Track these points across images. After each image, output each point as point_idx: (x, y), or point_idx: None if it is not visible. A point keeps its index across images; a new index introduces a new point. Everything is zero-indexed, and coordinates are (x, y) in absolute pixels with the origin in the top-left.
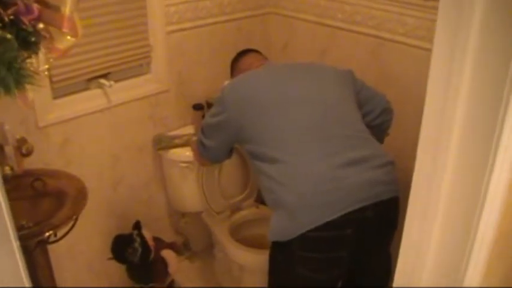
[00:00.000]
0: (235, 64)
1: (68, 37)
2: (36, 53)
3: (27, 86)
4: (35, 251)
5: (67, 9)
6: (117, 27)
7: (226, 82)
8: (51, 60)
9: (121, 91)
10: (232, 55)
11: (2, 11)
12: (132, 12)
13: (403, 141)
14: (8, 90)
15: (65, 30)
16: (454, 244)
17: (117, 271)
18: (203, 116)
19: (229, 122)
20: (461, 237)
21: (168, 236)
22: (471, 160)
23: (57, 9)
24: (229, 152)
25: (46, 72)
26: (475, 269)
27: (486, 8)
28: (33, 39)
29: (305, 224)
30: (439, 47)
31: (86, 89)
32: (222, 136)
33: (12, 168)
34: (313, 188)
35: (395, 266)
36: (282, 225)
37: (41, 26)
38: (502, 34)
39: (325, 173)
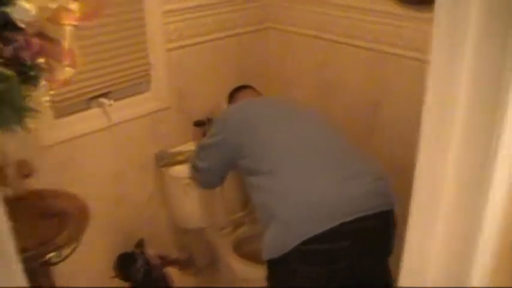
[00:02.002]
0: (232, 98)
1: (67, 68)
2: (36, 86)
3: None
4: (38, 272)
5: (67, 43)
6: (117, 46)
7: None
8: (51, 92)
9: (122, 109)
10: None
11: (2, 47)
12: (131, 31)
13: (402, 153)
14: (10, 128)
15: (65, 62)
16: (458, 247)
17: None
18: (204, 133)
19: (228, 139)
20: (465, 239)
21: (171, 252)
22: (472, 162)
23: (57, 42)
24: (222, 178)
25: (47, 104)
26: (479, 271)
27: (482, 14)
28: (33, 73)
29: (300, 235)
30: (436, 58)
31: (87, 108)
32: (218, 155)
33: (14, 190)
34: (308, 200)
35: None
36: (277, 239)
37: (41, 60)
38: (498, 41)
39: (320, 185)
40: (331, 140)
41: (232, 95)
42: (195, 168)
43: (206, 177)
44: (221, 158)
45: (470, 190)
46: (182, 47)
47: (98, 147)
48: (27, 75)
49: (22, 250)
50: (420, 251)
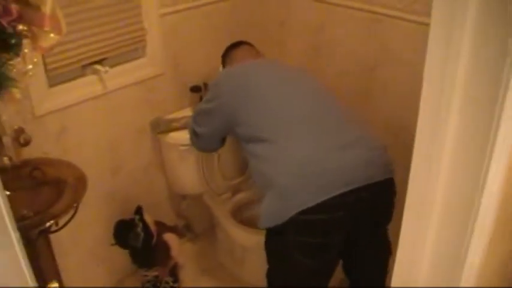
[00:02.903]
0: (227, 56)
1: (52, 35)
2: (18, 55)
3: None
4: (37, 240)
5: (47, 8)
6: (111, 11)
7: (221, 69)
8: (35, 60)
9: (117, 76)
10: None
11: None
12: None
13: (399, 116)
14: None
15: (46, 29)
16: (452, 239)
17: (120, 256)
18: (201, 98)
19: (224, 106)
20: (459, 231)
21: (169, 219)
22: (469, 149)
23: (37, 8)
24: (222, 141)
25: (31, 73)
26: (472, 265)
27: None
28: (13, 41)
29: (297, 205)
30: (436, 27)
31: (82, 75)
32: (215, 121)
33: (10, 159)
34: (305, 170)
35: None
36: (274, 208)
37: (20, 27)
38: (500, 9)
39: (318, 155)
40: (328, 107)
41: (228, 53)
42: (193, 133)
43: (205, 142)
44: (218, 123)
45: (465, 188)
46: (177, 11)
47: (93, 115)
48: (7, 43)
49: (19, 219)
50: (413, 246)
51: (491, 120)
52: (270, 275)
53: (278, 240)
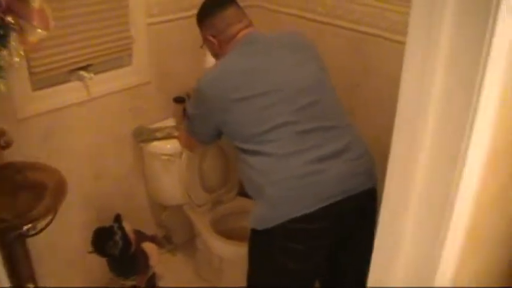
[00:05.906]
0: (210, 18)
1: (39, 30)
2: (5, 46)
3: None
4: (14, 244)
5: (37, 2)
6: (98, 18)
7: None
8: (21, 52)
9: (101, 83)
10: None
11: None
12: (113, 4)
13: (382, 135)
14: None
15: (34, 23)
16: (426, 241)
17: (98, 264)
18: (184, 109)
19: (210, 116)
20: (433, 233)
21: (149, 229)
22: (445, 153)
23: (26, 2)
24: (218, 136)
25: (17, 65)
26: (447, 267)
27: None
28: (1, 32)
29: (283, 215)
30: (413, 39)
31: (66, 81)
32: (206, 125)
33: None
34: (292, 182)
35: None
36: (262, 214)
37: (9, 19)
38: (474, 18)
39: (303, 166)
40: (318, 112)
41: (210, 17)
42: (191, 130)
43: (202, 137)
44: (208, 127)
45: (441, 185)
46: (164, 21)
47: (76, 120)
48: None
49: None
50: (389, 248)
51: (464, 128)
52: (251, 275)
53: (264, 241)
